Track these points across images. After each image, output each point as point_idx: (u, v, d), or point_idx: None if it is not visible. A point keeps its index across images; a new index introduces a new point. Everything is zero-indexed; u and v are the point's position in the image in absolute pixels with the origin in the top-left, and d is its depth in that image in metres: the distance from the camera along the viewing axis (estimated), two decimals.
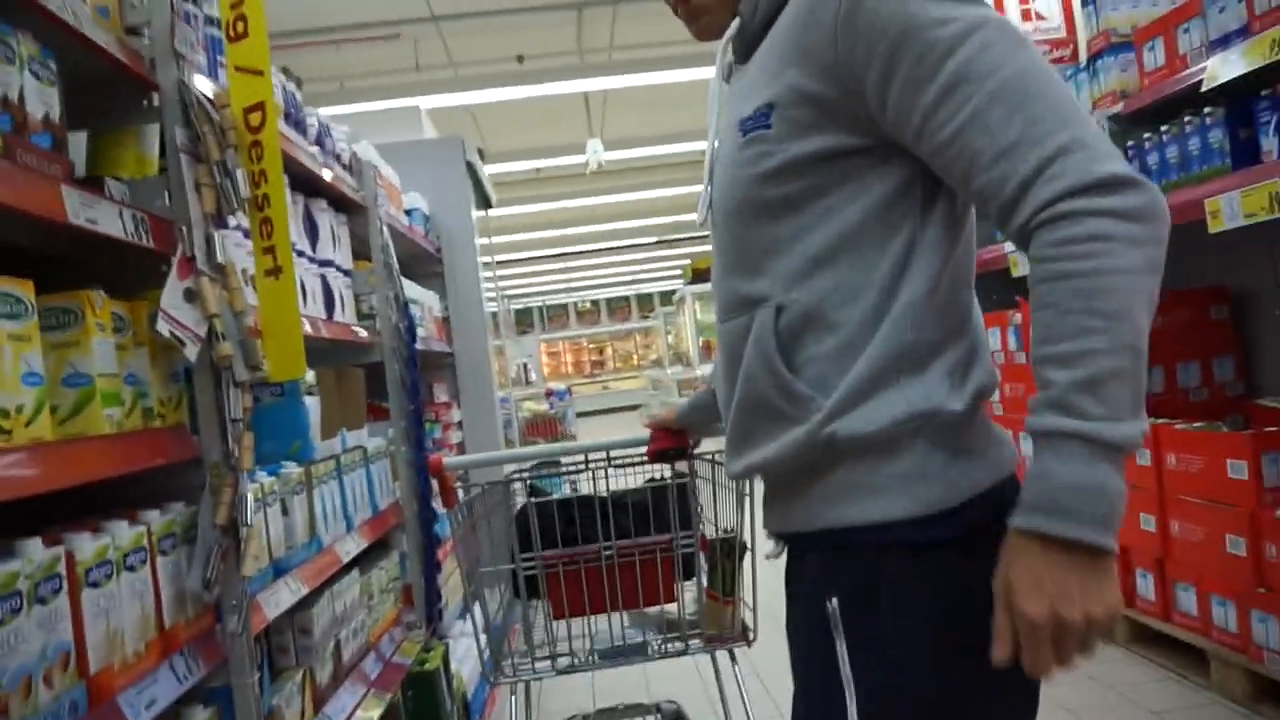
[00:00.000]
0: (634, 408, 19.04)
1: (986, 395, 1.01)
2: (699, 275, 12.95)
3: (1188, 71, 2.74)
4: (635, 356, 22.45)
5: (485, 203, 4.84)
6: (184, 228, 1.40)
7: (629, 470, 1.78)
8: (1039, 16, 3.84)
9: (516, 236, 14.31)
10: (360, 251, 2.68)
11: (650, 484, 1.77)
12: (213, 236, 1.44)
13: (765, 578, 1.61)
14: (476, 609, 1.74)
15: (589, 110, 8.87)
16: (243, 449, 1.43)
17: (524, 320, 22.39)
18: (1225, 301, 3.35)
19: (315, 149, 2.26)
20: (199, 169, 1.44)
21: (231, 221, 1.56)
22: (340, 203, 2.50)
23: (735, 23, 1.09)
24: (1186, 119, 2.78)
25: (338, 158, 2.51)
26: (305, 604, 1.78)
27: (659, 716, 2.21)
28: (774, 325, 1.00)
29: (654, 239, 16.52)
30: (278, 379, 1.60)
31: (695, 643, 1.78)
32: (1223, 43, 2.60)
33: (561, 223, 14.08)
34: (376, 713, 2.00)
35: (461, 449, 3.96)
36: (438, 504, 2.66)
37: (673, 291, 17.66)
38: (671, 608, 1.79)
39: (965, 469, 0.97)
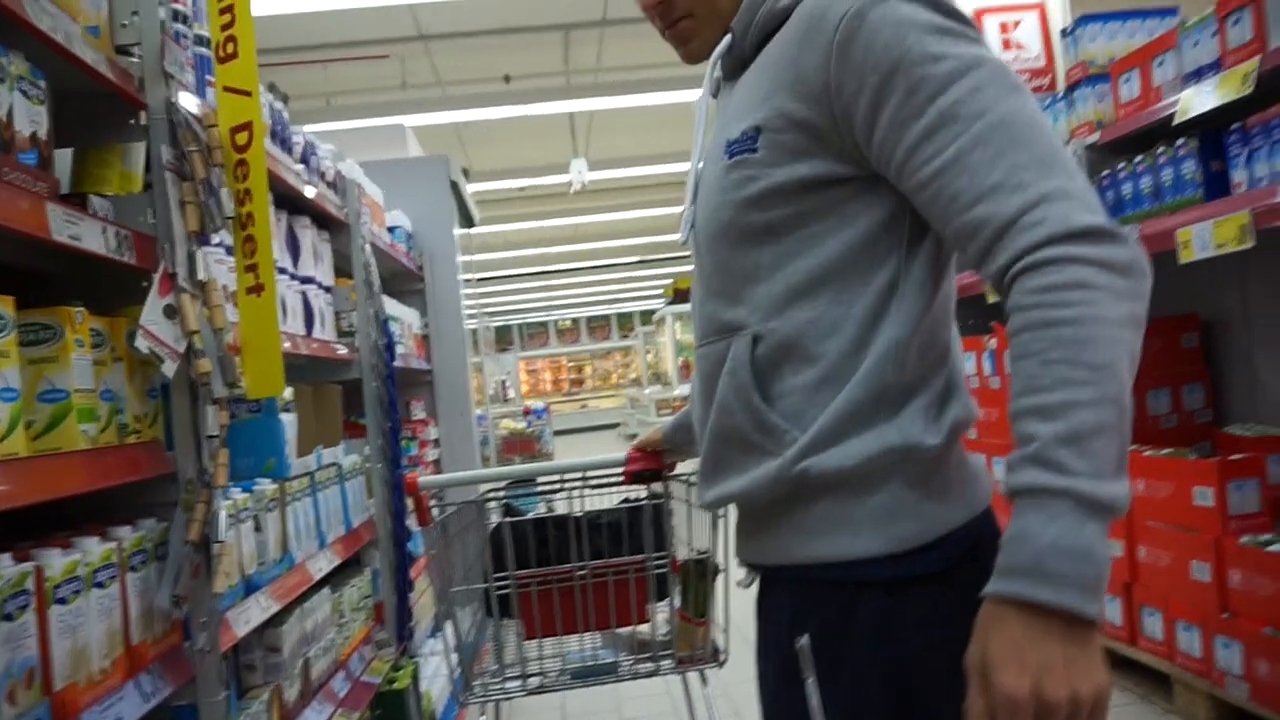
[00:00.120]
0: (612, 426, 19.06)
1: (963, 429, 0.98)
2: (680, 295, 13.02)
3: (1162, 104, 2.80)
4: (614, 375, 22.46)
5: (468, 221, 4.86)
6: (166, 245, 1.41)
7: (604, 491, 1.80)
8: (1019, 46, 3.93)
9: (498, 255, 14.34)
10: (342, 268, 2.69)
11: (625, 504, 1.78)
12: (194, 253, 1.45)
13: (737, 598, 1.63)
14: (448, 627, 1.75)
15: (574, 130, 8.93)
16: (218, 465, 1.43)
17: (504, 338, 22.38)
18: (1195, 329, 3.40)
19: (300, 166, 2.28)
20: (184, 187, 1.45)
21: (214, 238, 1.57)
22: (323, 219, 2.51)
23: (726, 39, 1.07)
24: (1160, 150, 2.84)
25: (322, 175, 2.52)
26: (274, 621, 1.78)
27: None
28: (750, 355, 0.98)
29: (635, 258, 16.58)
30: (256, 396, 1.61)
31: (666, 663, 1.79)
32: (1196, 76, 2.66)
33: (544, 241, 14.12)
34: None
35: (438, 466, 3.95)
36: (413, 522, 2.67)
37: (653, 311, 17.72)
38: (644, 628, 1.80)
39: (939, 506, 0.96)
